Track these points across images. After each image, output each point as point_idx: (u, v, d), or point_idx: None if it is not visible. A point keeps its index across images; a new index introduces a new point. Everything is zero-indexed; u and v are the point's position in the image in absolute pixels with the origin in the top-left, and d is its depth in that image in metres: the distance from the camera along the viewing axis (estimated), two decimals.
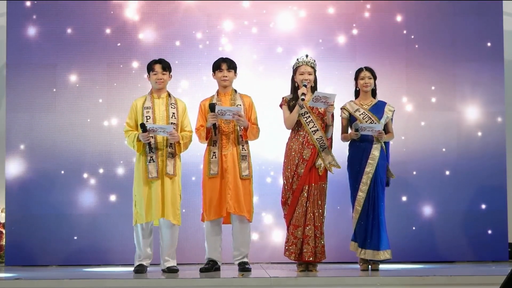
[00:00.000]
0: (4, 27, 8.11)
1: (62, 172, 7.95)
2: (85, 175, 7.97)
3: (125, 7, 8.07)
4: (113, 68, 8.03)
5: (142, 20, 8.08)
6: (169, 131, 6.74)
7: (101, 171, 7.97)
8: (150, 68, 6.98)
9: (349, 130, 7.13)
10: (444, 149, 8.13)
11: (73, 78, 8.01)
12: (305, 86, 6.85)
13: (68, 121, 8.00)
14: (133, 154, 7.02)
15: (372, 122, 6.99)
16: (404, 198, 8.05)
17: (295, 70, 6.97)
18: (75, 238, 7.91)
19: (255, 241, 7.74)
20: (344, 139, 7.14)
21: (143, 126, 6.73)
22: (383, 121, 7.01)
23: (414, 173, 8.10)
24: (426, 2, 8.21)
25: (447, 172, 8.12)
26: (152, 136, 6.79)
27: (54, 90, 7.99)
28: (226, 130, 6.93)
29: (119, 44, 8.05)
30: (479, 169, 8.11)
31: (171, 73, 7.03)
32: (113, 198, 7.95)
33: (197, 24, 8.11)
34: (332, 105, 6.78)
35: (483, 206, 8.11)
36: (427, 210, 8.09)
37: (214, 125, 6.84)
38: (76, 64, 8.01)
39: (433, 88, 8.16)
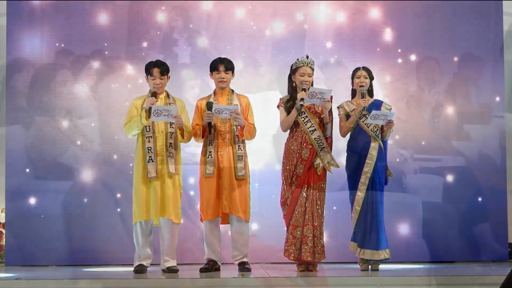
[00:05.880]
0: (4, 27, 8.10)
1: (62, 172, 7.94)
2: (85, 175, 7.96)
3: (123, 7, 8.07)
4: (113, 68, 8.03)
5: (142, 20, 8.08)
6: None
7: (101, 171, 7.96)
8: (148, 71, 6.96)
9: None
10: (444, 149, 8.13)
11: (73, 78, 8.00)
12: (304, 89, 6.81)
13: (68, 121, 7.99)
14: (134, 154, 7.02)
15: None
16: (404, 198, 8.04)
17: (294, 70, 6.95)
18: (75, 238, 7.90)
19: (255, 241, 7.73)
20: (344, 133, 7.06)
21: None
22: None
23: (414, 173, 8.10)
24: (426, 2, 8.20)
25: (447, 172, 8.11)
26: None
27: (54, 90, 7.98)
28: (223, 129, 6.91)
29: (119, 45, 8.05)
30: (479, 169, 8.11)
31: (169, 75, 7.01)
32: (113, 198, 7.93)
33: (196, 24, 8.11)
34: (329, 101, 6.77)
35: (483, 207, 8.10)
36: (427, 210, 8.07)
37: (209, 123, 6.83)
38: (76, 64, 8.01)
39: (433, 88, 8.16)
